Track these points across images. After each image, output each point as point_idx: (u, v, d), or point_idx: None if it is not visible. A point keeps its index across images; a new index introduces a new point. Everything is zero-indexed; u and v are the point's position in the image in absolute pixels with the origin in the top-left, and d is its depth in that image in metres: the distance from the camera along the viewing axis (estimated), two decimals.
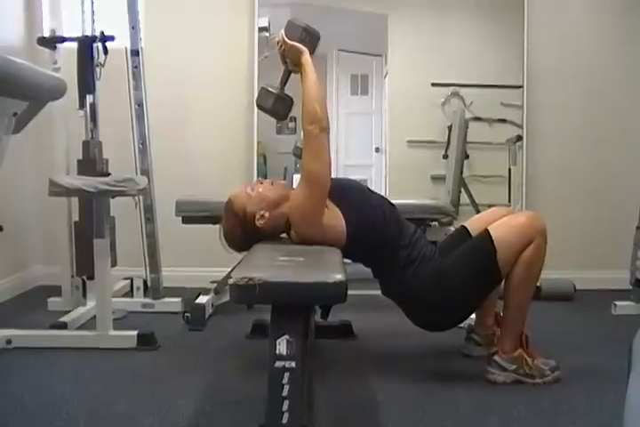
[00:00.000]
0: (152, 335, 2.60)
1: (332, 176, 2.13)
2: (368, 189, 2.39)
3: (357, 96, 4.28)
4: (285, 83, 2.27)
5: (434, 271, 2.20)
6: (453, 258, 2.22)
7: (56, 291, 3.24)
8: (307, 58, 2.13)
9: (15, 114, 1.89)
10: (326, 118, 2.07)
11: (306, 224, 2.10)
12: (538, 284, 2.31)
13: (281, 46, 2.18)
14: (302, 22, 2.21)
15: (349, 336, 2.74)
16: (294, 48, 2.14)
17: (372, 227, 2.18)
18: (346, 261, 2.02)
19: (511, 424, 1.87)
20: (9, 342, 2.53)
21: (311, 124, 2.05)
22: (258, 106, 2.30)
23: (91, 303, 3.04)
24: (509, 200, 3.90)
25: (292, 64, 2.19)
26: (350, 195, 2.25)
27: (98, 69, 3.05)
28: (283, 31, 2.19)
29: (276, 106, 2.26)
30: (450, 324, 2.32)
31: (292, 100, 2.28)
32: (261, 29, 3.82)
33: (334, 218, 2.13)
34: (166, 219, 3.19)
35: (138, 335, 2.57)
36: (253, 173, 3.79)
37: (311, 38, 2.19)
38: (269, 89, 2.26)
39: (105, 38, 3.00)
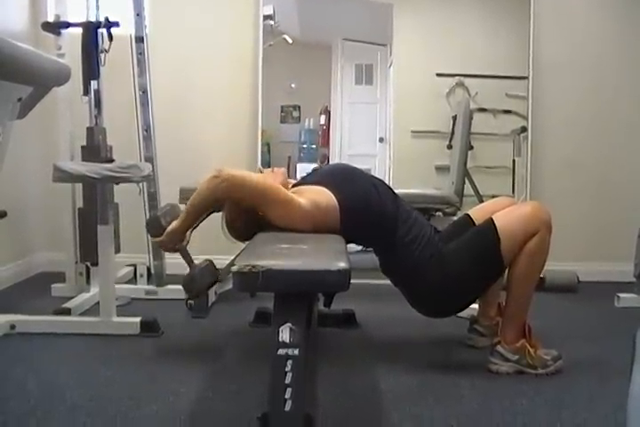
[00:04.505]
0: (155, 322, 2.61)
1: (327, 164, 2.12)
2: (359, 169, 2.36)
3: (362, 86, 4.26)
4: (190, 258, 2.27)
5: (435, 256, 2.19)
6: (456, 244, 2.22)
7: (60, 277, 3.25)
8: (176, 225, 2.13)
9: (20, 99, 1.88)
10: (204, 184, 2.05)
11: (290, 223, 2.04)
12: (541, 275, 2.30)
13: (163, 246, 2.21)
14: (154, 214, 2.29)
15: (352, 325, 2.75)
16: (169, 234, 2.14)
17: (365, 203, 2.16)
18: (350, 250, 2.01)
19: (514, 414, 1.87)
20: (13, 327, 2.54)
21: (216, 193, 2.04)
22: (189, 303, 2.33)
23: (94, 290, 3.05)
24: (513, 191, 3.89)
25: (179, 241, 2.17)
26: (337, 176, 2.24)
27: (102, 55, 3.05)
28: (152, 239, 2.26)
29: (199, 286, 2.26)
30: (449, 311, 2.33)
31: (207, 270, 2.25)
32: (266, 17, 3.80)
33: (315, 200, 2.08)
34: None
35: (141, 322, 2.58)
36: (257, 161, 3.78)
37: (170, 212, 2.23)
38: (185, 290, 2.28)
39: (110, 24, 2.99)
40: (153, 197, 3.25)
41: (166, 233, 2.15)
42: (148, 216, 3.25)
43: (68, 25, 3.08)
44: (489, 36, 3.99)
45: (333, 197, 2.11)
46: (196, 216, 2.11)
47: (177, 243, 2.18)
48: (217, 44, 3.78)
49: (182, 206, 2.96)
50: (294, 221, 2.03)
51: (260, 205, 2.04)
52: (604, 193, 3.86)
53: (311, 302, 2.01)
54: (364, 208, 2.16)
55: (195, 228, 2.17)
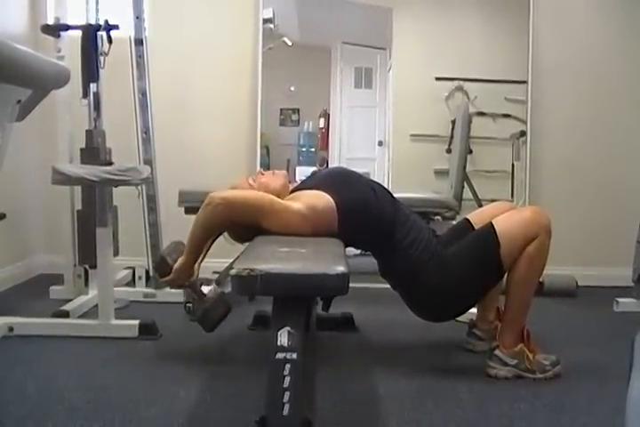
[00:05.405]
0: (154, 325, 2.60)
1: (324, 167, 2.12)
2: (357, 173, 2.36)
3: (361, 89, 4.26)
4: (201, 292, 2.21)
5: (434, 259, 2.19)
6: (456, 248, 2.22)
7: (58, 279, 3.25)
8: (182, 261, 2.10)
9: (19, 101, 1.88)
10: (199, 214, 2.02)
11: (289, 229, 2.04)
12: (540, 279, 2.30)
13: (173, 285, 2.19)
14: (159, 255, 2.25)
15: (351, 329, 2.74)
16: (177, 271, 2.11)
17: (363, 206, 2.16)
18: (349, 253, 2.01)
19: (512, 419, 1.87)
20: (11, 329, 2.54)
21: (214, 219, 2.01)
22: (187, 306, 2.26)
23: (93, 292, 3.04)
24: (512, 195, 3.89)
25: (188, 277, 2.14)
26: (335, 179, 2.25)
27: (102, 58, 3.05)
28: (161, 280, 2.20)
29: (213, 319, 2.20)
30: (448, 315, 2.33)
31: (220, 302, 2.19)
32: (265, 21, 3.81)
33: (311, 204, 2.07)
34: (169, 209, 3.19)
35: (139, 325, 2.58)
36: (256, 164, 3.78)
37: (175, 249, 2.20)
38: (200, 323, 2.22)
39: (109, 27, 2.99)
40: (152, 200, 3.25)
41: (174, 271, 2.12)
42: (147, 218, 3.26)
43: (67, 27, 3.08)
44: (488, 41, 3.99)
45: (331, 200, 2.11)
46: (200, 248, 2.09)
47: (186, 279, 2.15)
48: (216, 46, 3.78)
49: (181, 209, 2.99)
50: (292, 226, 2.03)
51: (258, 218, 2.03)
52: (604, 197, 3.86)
53: (310, 305, 2.00)
54: (363, 211, 2.16)
55: (202, 260, 2.16)
